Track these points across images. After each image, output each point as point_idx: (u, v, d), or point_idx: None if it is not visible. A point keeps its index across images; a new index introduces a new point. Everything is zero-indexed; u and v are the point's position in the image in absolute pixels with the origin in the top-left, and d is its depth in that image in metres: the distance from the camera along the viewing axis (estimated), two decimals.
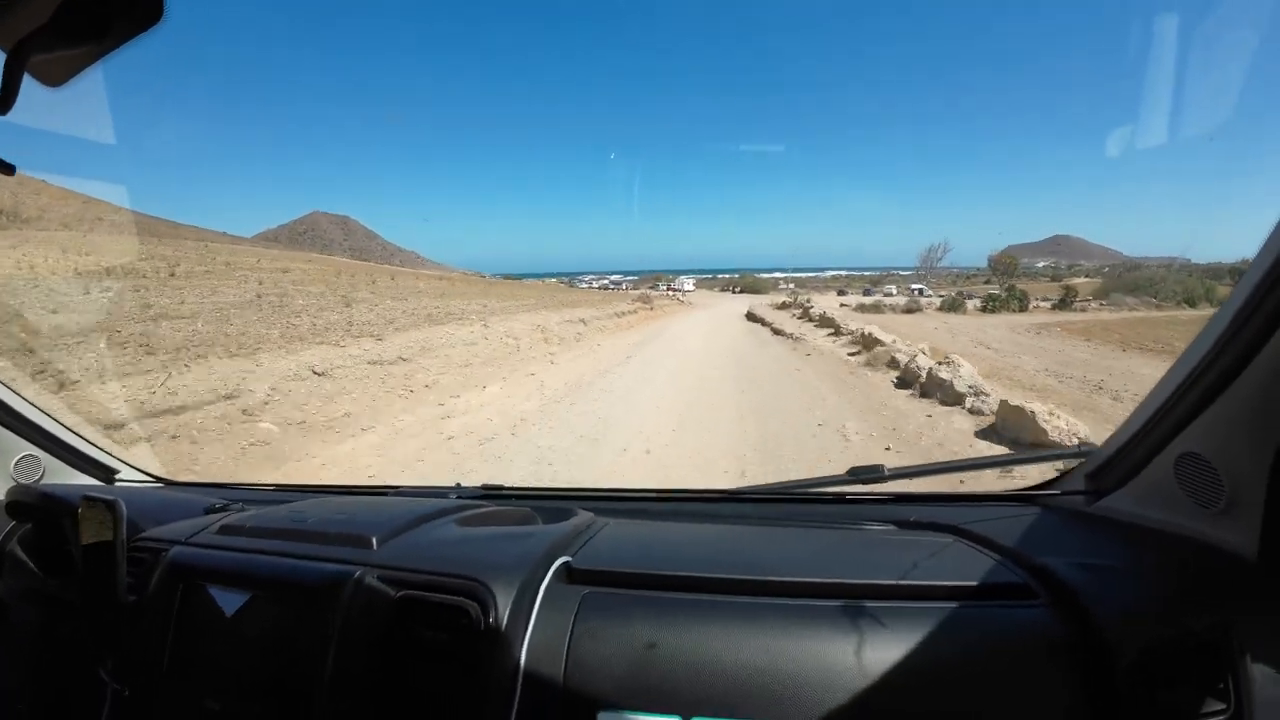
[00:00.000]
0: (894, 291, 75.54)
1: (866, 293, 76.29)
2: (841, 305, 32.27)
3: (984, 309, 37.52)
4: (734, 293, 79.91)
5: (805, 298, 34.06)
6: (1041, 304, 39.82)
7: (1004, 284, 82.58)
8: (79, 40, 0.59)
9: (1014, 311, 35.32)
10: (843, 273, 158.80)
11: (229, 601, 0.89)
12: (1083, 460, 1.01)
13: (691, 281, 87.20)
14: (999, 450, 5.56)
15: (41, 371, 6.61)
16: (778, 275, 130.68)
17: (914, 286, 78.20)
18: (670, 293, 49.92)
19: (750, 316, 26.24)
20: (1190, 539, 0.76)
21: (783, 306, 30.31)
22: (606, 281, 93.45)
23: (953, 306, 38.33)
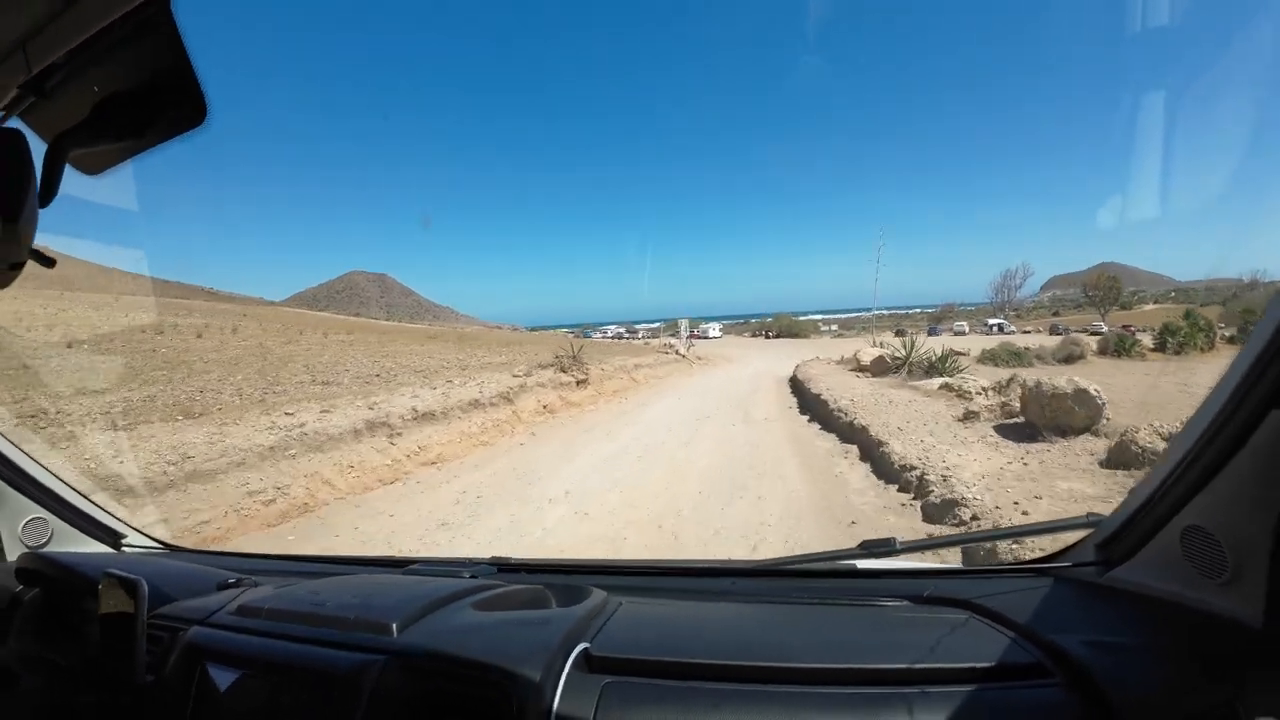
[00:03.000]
0: (965, 329, 59.95)
1: (931, 331, 61.38)
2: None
3: (1159, 348, 22.77)
4: (767, 337, 64.91)
5: (947, 348, 14.30)
6: None
7: (1102, 311, 66.10)
8: (118, 136, 0.60)
9: (1203, 350, 21.03)
10: (885, 312, 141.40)
11: (248, 686, 0.86)
12: (1092, 530, 0.98)
13: (718, 327, 72.73)
14: None
15: None
16: (816, 317, 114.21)
17: (991, 321, 62.20)
18: (670, 344, 31.17)
19: (804, 402, 11.55)
20: (1198, 610, 0.75)
21: (878, 369, 13.28)
22: (621, 330, 79.95)
23: (1121, 347, 23.68)
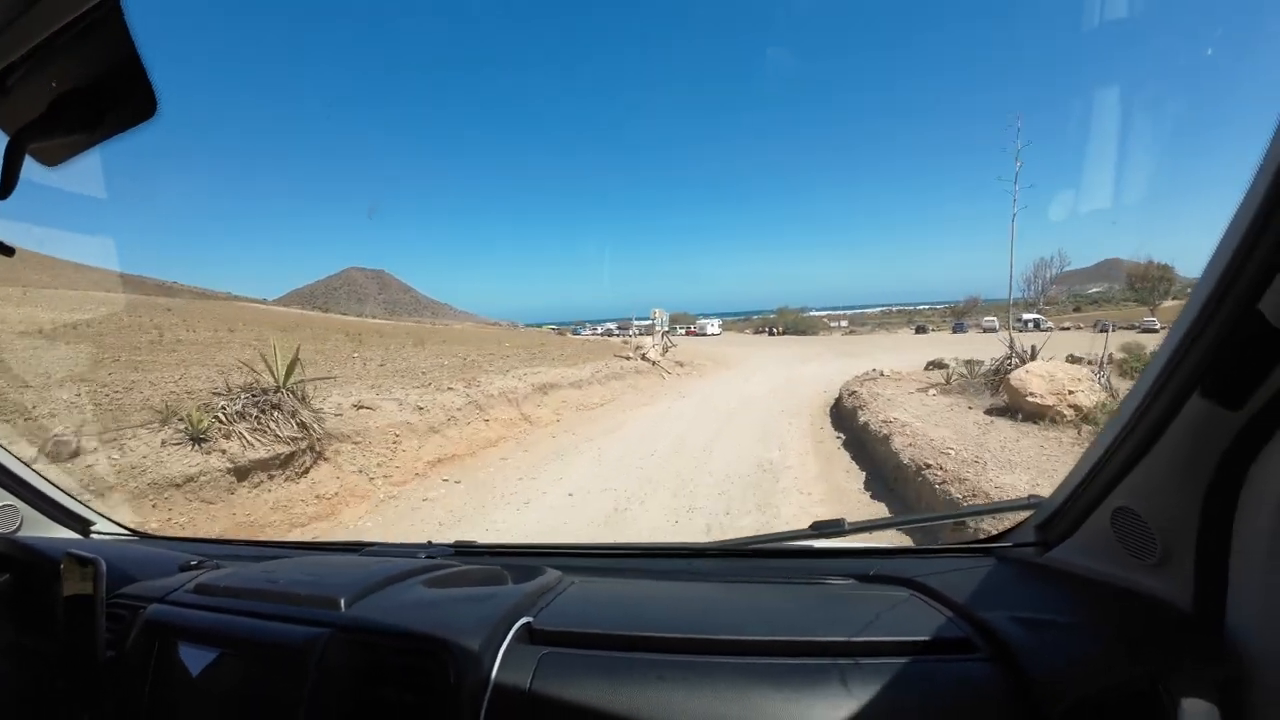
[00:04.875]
0: (996, 324, 51.41)
1: (957, 328, 53.02)
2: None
3: None
4: (771, 334, 56.48)
5: None
6: None
7: (1151, 306, 57.13)
8: (73, 130, 0.62)
9: None
10: (893, 308, 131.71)
11: (203, 660, 0.86)
12: (1032, 512, 0.98)
13: (717, 323, 64.53)
14: None
15: None
16: (820, 313, 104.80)
17: (1026, 317, 53.51)
18: (639, 345, 18.08)
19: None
20: (1129, 590, 0.76)
21: None
22: (611, 326, 71.67)
23: None
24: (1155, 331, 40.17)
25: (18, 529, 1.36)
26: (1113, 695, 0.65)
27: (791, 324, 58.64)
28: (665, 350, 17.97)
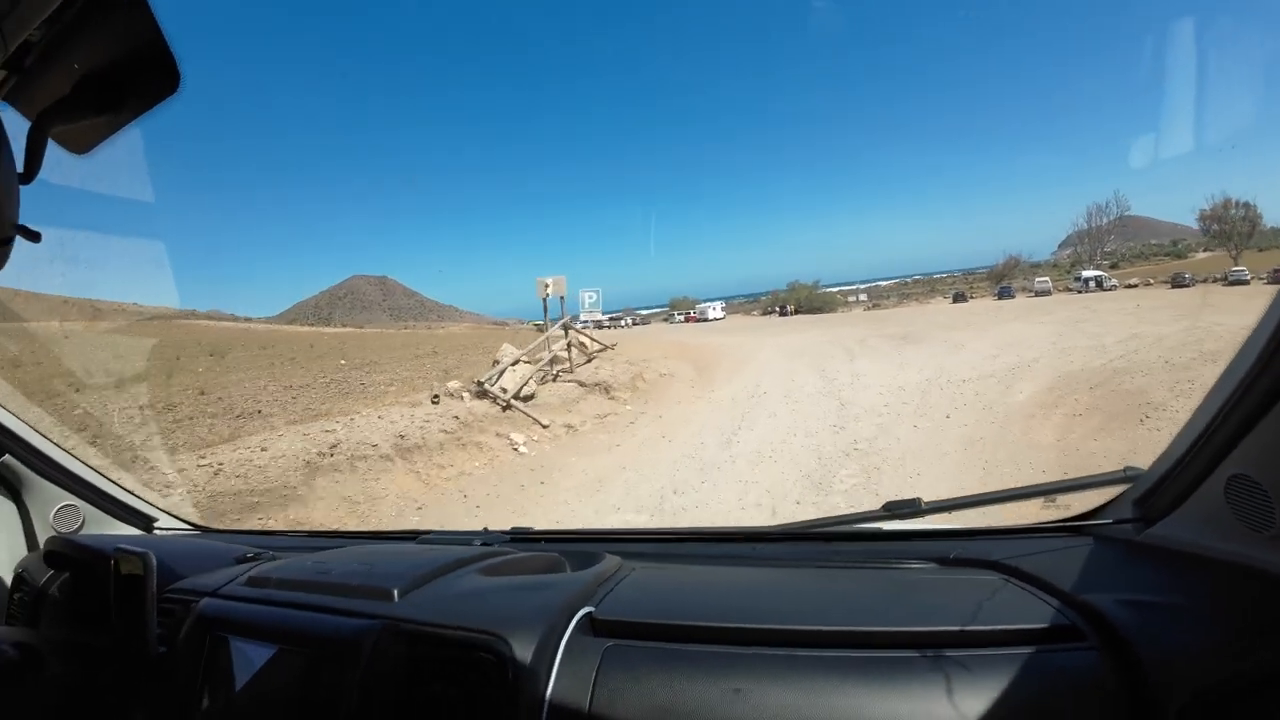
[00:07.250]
0: (1049, 285, 42.36)
1: (1002, 293, 44.07)
2: None
3: None
4: (781, 314, 48.09)
5: None
6: None
7: (1232, 253, 47.62)
8: (97, 110, 0.59)
9: None
10: (908, 279, 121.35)
11: (256, 654, 0.84)
12: (1129, 485, 0.90)
13: (719, 306, 56.20)
14: None
15: None
16: (830, 289, 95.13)
17: (1086, 275, 43.48)
18: (494, 363, 8.90)
19: None
20: (1245, 567, 0.69)
21: None
22: (603, 319, 63.60)
23: None
24: (1246, 283, 31.52)
25: (79, 528, 1.34)
26: (1235, 683, 0.59)
27: (805, 301, 49.94)
28: (585, 360, 9.78)
